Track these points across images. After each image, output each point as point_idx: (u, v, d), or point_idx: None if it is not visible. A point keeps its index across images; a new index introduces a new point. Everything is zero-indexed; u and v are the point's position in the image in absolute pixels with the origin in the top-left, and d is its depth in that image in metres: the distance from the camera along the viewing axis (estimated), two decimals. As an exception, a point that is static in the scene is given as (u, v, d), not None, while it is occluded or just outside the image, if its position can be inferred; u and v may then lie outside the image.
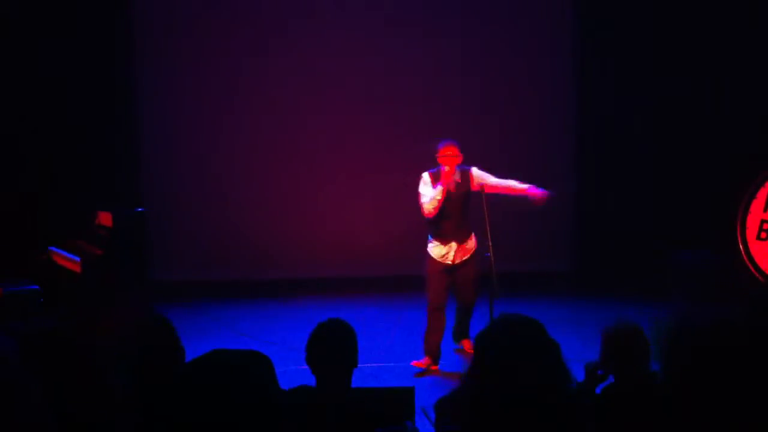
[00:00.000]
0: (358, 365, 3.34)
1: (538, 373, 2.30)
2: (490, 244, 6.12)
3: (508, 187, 6.65)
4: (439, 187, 6.46)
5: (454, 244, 6.63)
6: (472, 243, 6.73)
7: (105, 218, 7.96)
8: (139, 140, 9.59)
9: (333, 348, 3.30)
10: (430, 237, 6.72)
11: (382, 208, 9.59)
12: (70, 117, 9.06)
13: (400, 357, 7.01)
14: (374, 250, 9.57)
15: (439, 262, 6.67)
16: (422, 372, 6.66)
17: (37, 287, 7.41)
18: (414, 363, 6.78)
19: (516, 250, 8.52)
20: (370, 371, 6.46)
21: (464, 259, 6.69)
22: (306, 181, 9.75)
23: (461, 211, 6.64)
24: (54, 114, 9.02)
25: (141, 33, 9.54)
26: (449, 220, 6.59)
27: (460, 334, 7.15)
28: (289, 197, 9.76)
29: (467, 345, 7.06)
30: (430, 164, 6.64)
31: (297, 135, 9.74)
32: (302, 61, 9.66)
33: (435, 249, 6.69)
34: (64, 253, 7.94)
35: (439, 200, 6.46)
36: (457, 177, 6.53)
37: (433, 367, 6.71)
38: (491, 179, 6.61)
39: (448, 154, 6.46)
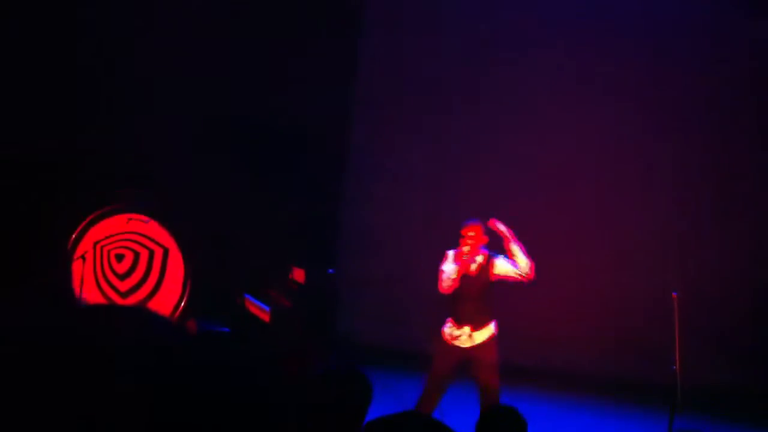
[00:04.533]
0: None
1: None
2: (678, 355, 5.92)
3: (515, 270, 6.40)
4: (455, 267, 6.32)
5: (467, 329, 6.41)
6: (490, 329, 6.47)
7: (298, 274, 8.37)
8: (340, 205, 10.04)
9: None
10: (446, 318, 6.55)
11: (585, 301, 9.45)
12: (280, 179, 9.62)
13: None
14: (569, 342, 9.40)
15: (449, 342, 6.46)
16: None
17: (227, 330, 7.87)
18: None
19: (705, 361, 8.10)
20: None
21: (478, 344, 6.43)
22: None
23: (480, 295, 6.42)
24: (269, 173, 9.63)
25: (359, 99, 9.97)
26: (466, 303, 6.40)
27: None
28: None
29: None
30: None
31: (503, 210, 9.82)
32: (507, 138, 9.69)
33: (447, 329, 6.49)
34: (257, 302, 8.41)
35: (453, 279, 6.32)
36: (480, 260, 6.38)
37: None
38: (507, 267, 6.40)
39: (469, 235, 6.33)
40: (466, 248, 6.32)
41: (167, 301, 8.48)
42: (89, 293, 8.14)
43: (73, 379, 1.91)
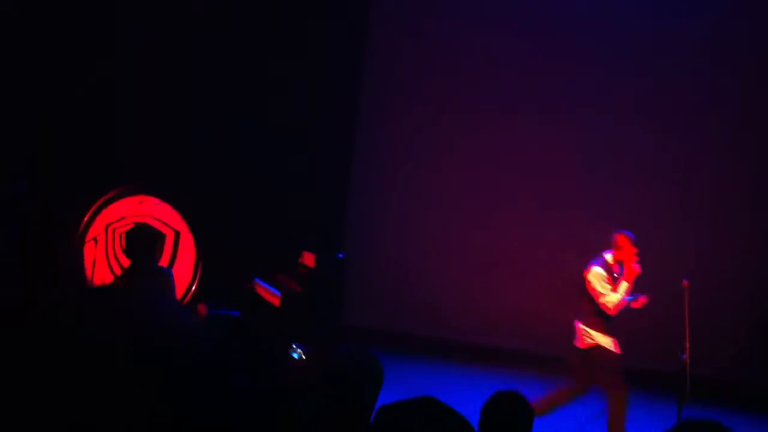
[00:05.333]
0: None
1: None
2: (688, 344, 5.92)
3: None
4: (626, 285, 6.45)
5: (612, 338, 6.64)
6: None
7: (309, 259, 8.38)
8: (349, 192, 10.07)
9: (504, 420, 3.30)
10: (592, 329, 6.63)
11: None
12: (291, 164, 9.65)
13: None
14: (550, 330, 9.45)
15: (615, 351, 6.64)
16: None
17: (238, 314, 7.89)
18: None
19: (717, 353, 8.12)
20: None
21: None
22: (504, 248, 9.81)
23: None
24: (276, 160, 9.65)
25: (366, 88, 10.05)
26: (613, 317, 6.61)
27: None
28: (481, 261, 9.86)
29: None
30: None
31: (505, 202, 9.87)
32: (515, 124, 9.80)
33: (605, 339, 6.62)
34: (267, 286, 8.42)
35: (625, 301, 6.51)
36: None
37: None
38: None
39: (637, 254, 6.47)
40: (636, 267, 6.48)
41: (178, 284, 8.51)
42: (101, 275, 8.18)
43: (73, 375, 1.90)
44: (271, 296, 8.23)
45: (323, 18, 9.68)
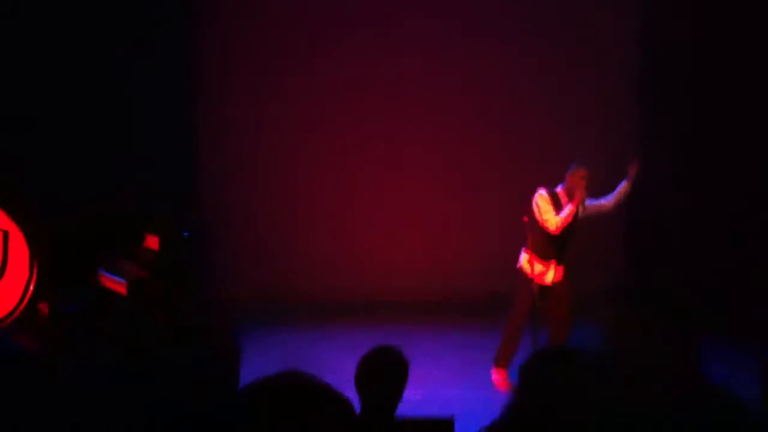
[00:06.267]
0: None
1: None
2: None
3: (599, 206, 6.89)
4: (570, 208, 6.62)
5: (553, 266, 6.76)
6: (567, 265, 6.87)
7: (152, 242, 8.10)
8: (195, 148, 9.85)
9: (380, 376, 3.32)
10: (527, 255, 6.79)
11: (436, 233, 9.72)
12: (137, 123, 9.26)
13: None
14: (427, 274, 9.65)
15: (536, 280, 6.75)
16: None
17: (77, 308, 7.59)
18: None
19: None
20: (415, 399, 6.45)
21: (559, 280, 6.80)
22: (361, 198, 9.94)
23: (572, 233, 6.81)
24: (117, 119, 9.20)
25: (202, 33, 9.79)
26: (560, 242, 6.74)
27: None
28: (340, 215, 9.95)
29: None
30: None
31: (362, 151, 9.94)
32: (366, 72, 9.82)
33: (536, 267, 6.75)
34: (112, 276, 8.09)
35: (568, 221, 6.65)
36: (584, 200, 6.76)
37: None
38: (591, 202, 6.85)
39: (584, 177, 6.65)
40: (582, 190, 6.60)
41: (15, 285, 8.06)
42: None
43: None
44: (118, 285, 7.92)
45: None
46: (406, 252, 9.86)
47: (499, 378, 6.84)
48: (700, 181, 8.99)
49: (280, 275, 9.81)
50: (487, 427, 3.38)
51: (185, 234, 8.28)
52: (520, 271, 6.80)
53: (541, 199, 6.68)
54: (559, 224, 6.60)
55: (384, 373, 3.33)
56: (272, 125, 9.94)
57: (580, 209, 6.73)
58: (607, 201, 6.90)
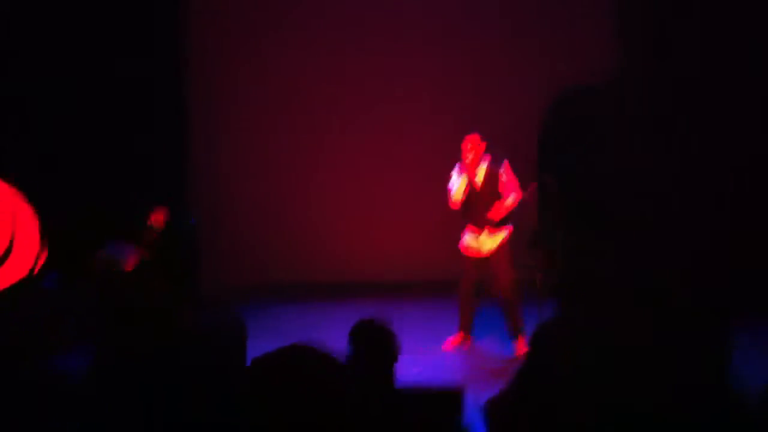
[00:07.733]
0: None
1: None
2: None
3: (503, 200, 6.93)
4: (463, 177, 6.75)
5: (486, 231, 6.90)
6: (503, 233, 6.95)
7: (158, 221, 8.18)
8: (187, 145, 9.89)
9: (372, 344, 3.39)
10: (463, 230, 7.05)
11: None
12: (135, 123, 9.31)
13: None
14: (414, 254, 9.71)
15: (471, 253, 6.96)
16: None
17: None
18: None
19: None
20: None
21: (496, 248, 6.91)
22: (346, 182, 10.05)
23: (491, 202, 6.87)
24: (116, 119, 9.26)
25: (195, 33, 9.83)
26: (480, 211, 6.86)
27: (513, 331, 7.01)
28: (327, 199, 10.07)
29: (520, 344, 6.89)
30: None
31: (342, 138, 10.03)
32: (344, 61, 9.91)
33: (467, 240, 6.99)
34: (115, 254, 8.15)
35: (461, 192, 6.77)
36: (484, 168, 6.82)
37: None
38: (503, 178, 6.91)
39: (468, 147, 6.77)
40: (468, 159, 6.72)
41: (22, 263, 8.15)
42: None
43: None
44: (122, 264, 7.98)
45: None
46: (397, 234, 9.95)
47: (451, 339, 7.09)
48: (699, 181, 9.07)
49: (274, 259, 9.90)
50: (491, 399, 3.34)
51: (192, 221, 8.38)
52: (461, 245, 7.02)
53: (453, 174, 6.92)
54: (452, 194, 6.81)
55: (373, 341, 3.38)
56: (267, 121, 10.06)
57: (478, 179, 6.82)
58: (509, 197, 6.93)
